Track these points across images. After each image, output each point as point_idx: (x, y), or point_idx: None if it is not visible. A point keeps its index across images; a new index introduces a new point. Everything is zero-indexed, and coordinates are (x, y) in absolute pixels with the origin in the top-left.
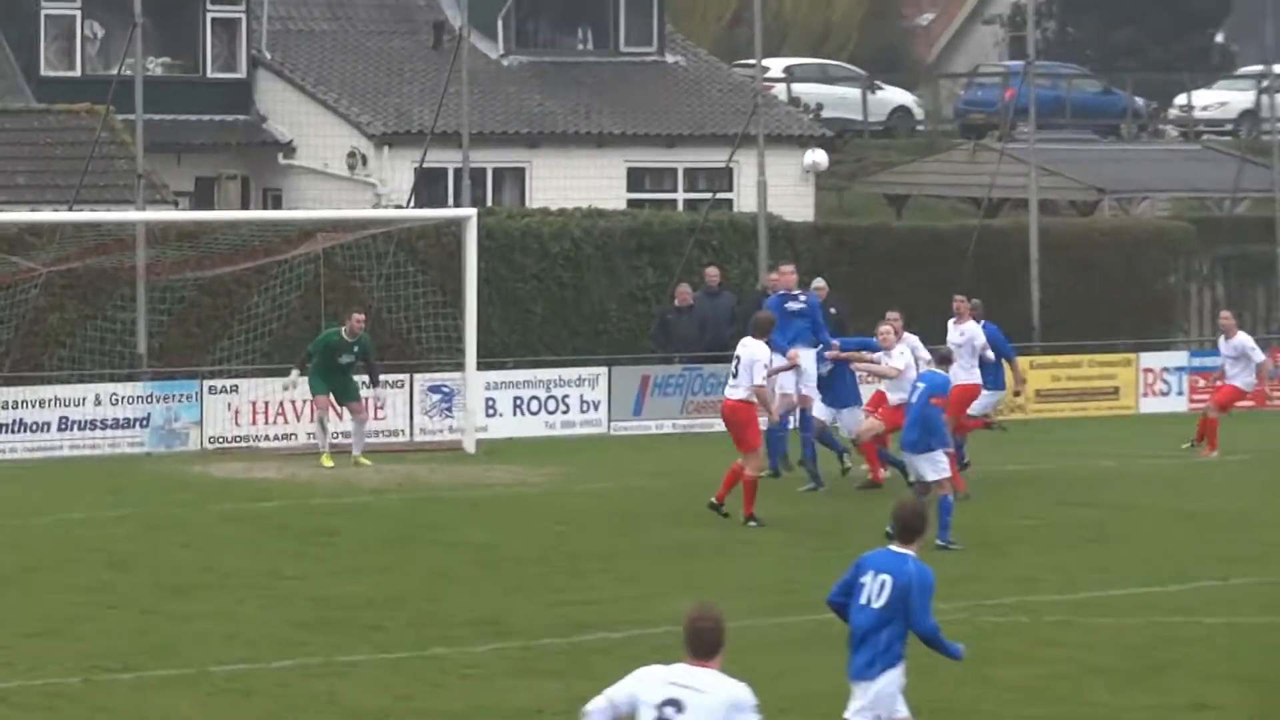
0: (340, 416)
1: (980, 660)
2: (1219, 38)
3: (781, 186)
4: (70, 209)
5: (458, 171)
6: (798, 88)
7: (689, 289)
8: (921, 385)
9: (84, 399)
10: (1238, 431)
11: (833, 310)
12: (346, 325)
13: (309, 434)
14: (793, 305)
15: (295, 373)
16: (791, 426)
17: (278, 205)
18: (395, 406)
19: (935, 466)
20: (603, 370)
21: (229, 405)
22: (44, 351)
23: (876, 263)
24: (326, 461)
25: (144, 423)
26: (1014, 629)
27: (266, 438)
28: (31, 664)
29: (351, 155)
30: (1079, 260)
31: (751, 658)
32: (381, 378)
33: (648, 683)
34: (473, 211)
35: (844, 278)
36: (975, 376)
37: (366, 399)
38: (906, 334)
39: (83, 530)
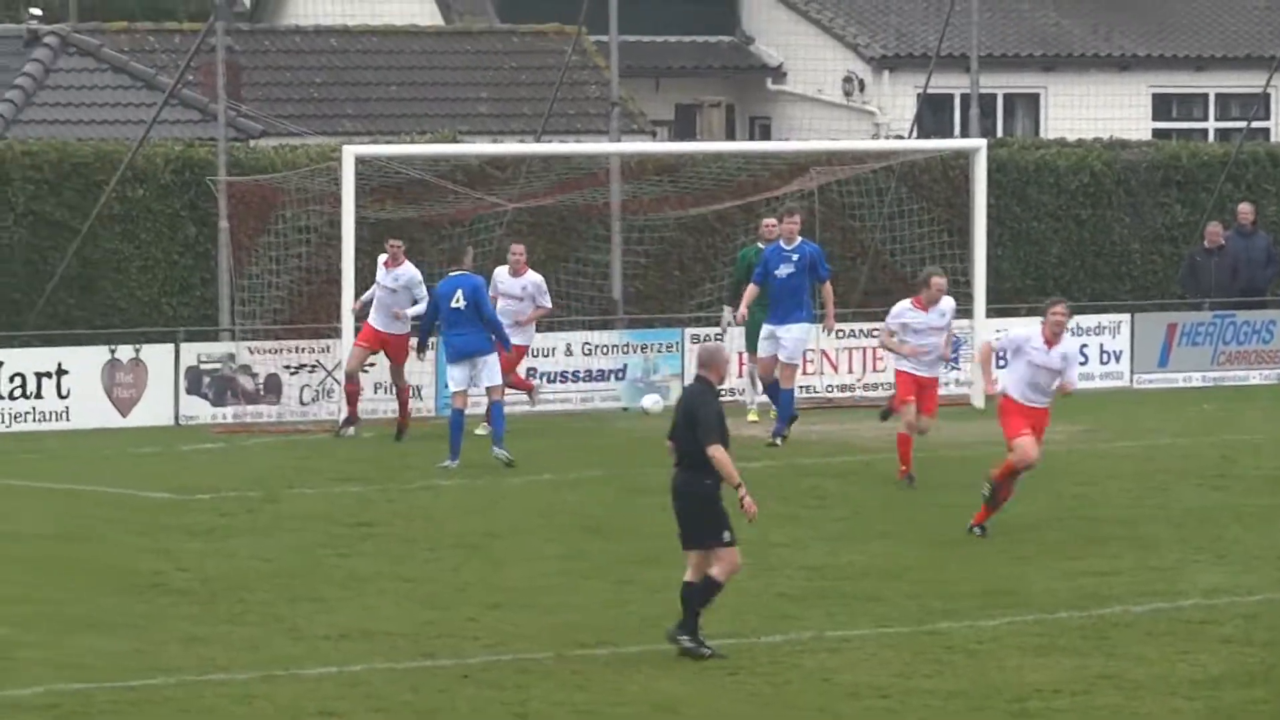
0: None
1: None
2: None
3: None
4: (538, 140)
5: (965, 98)
6: None
7: (1220, 228)
8: None
9: (554, 349)
10: None
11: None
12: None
13: (824, 386)
14: None
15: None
16: None
17: (766, 136)
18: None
19: None
20: (1125, 317)
21: None
22: None
23: None
24: (753, 417)
25: (620, 374)
26: None
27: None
28: (499, 638)
29: (848, 80)
30: None
31: None
32: (883, 325)
33: None
34: (982, 142)
35: None
36: None
37: None
38: None
39: (553, 493)
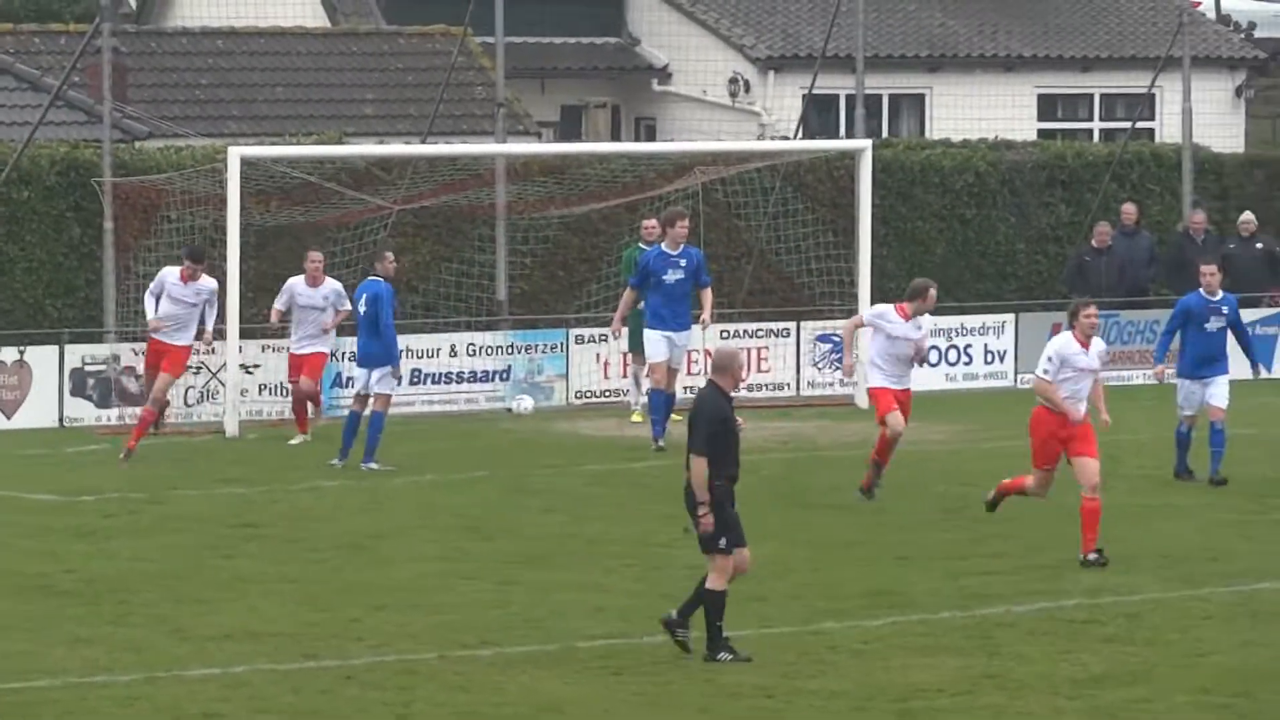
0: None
1: None
2: None
3: (1208, 114)
4: (423, 141)
5: (851, 99)
6: (1228, 4)
7: (1109, 228)
8: None
9: (439, 349)
10: None
11: (1259, 245)
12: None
13: (686, 388)
14: None
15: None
16: None
17: (651, 136)
18: (782, 357)
19: None
20: (1009, 317)
21: (598, 356)
22: (395, 296)
23: None
24: (637, 418)
25: (505, 375)
26: None
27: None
28: (383, 638)
29: (733, 81)
30: None
31: (1168, 634)
32: (769, 325)
33: None
34: (867, 143)
35: (1277, 216)
36: None
37: None
38: None
39: (437, 494)
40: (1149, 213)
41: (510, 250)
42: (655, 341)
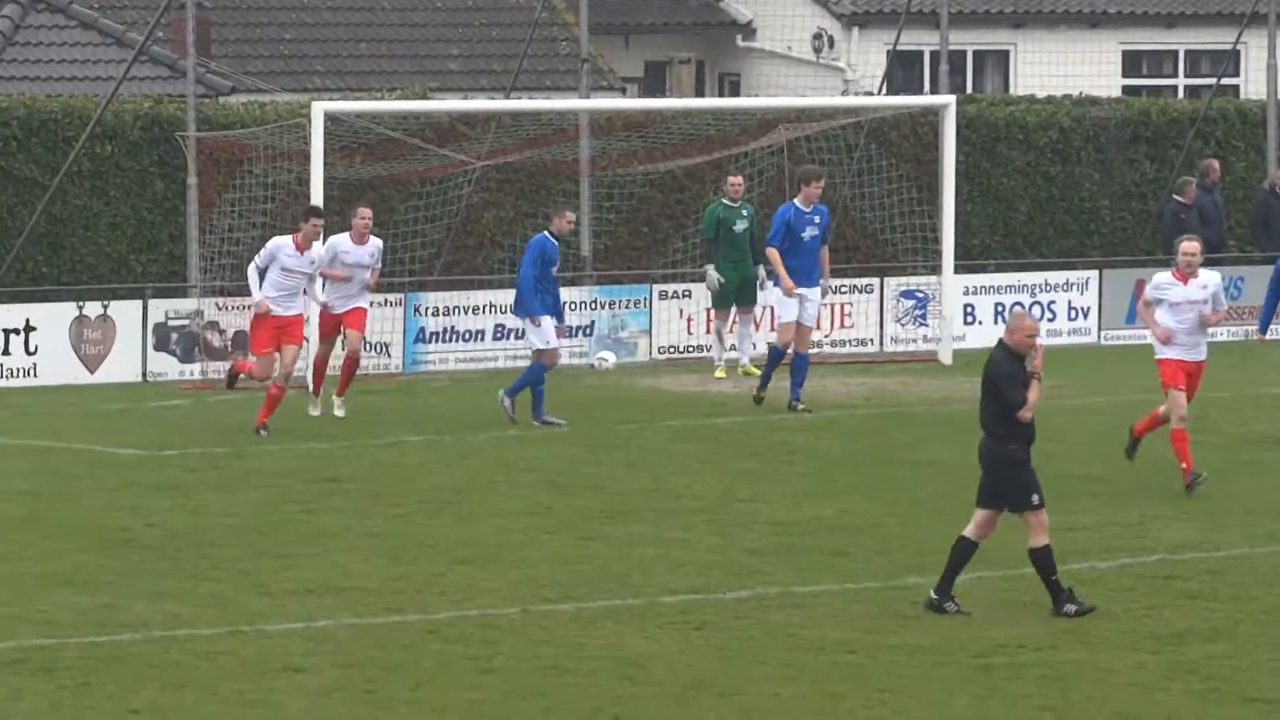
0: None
1: None
2: None
3: None
4: (507, 96)
5: (935, 55)
6: None
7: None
8: None
9: None
10: None
11: None
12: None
13: (769, 343)
14: None
15: (713, 270)
16: None
17: (736, 92)
18: (865, 314)
19: None
20: (1093, 273)
21: (681, 312)
22: (478, 253)
23: None
24: (720, 373)
25: (588, 331)
26: None
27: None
28: (465, 593)
29: (818, 37)
30: None
31: (1255, 589)
32: (852, 281)
33: None
34: (951, 99)
35: None
36: None
37: None
38: None
39: (520, 449)
40: (1233, 170)
41: (594, 206)
42: (787, 302)
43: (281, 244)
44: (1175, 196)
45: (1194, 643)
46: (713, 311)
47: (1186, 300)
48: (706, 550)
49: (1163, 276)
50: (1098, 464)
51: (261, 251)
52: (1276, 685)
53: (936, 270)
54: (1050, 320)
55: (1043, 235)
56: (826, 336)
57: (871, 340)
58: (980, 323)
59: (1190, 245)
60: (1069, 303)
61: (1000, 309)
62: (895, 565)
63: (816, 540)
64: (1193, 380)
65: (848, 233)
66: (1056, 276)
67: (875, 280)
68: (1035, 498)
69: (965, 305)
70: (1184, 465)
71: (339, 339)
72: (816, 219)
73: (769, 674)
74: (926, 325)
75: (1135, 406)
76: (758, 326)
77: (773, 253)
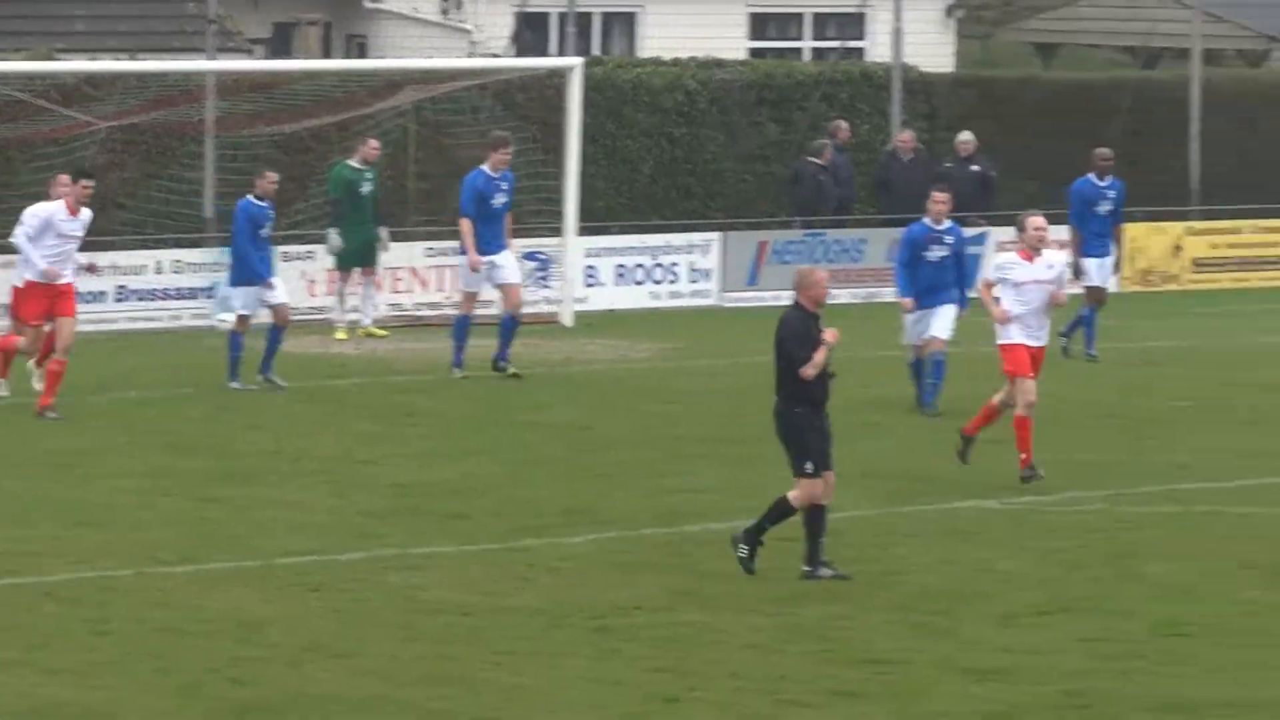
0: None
1: (1124, 554)
2: None
3: (919, 34)
4: (133, 58)
5: (562, 17)
6: None
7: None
8: None
9: (144, 266)
10: None
11: (974, 167)
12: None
13: (414, 304)
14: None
15: (335, 233)
16: None
17: (363, 54)
18: None
19: None
20: (715, 236)
21: (303, 274)
22: (101, 214)
23: (1021, 119)
24: (341, 335)
25: (209, 293)
26: (1160, 520)
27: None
28: (81, 555)
29: None
30: (1245, 117)
31: (871, 550)
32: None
33: None
34: (578, 61)
35: (984, 135)
36: None
37: None
38: None
39: (139, 411)
40: (859, 132)
41: (218, 168)
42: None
43: (53, 209)
44: (810, 159)
45: (810, 604)
46: (335, 273)
47: (1033, 280)
48: (325, 512)
49: (1008, 256)
50: (716, 425)
51: (28, 221)
52: (891, 646)
53: (559, 232)
54: (672, 282)
55: (666, 198)
56: (447, 298)
57: (493, 301)
58: (602, 284)
59: (1038, 220)
60: (691, 265)
61: (622, 270)
62: (514, 527)
63: (436, 502)
64: (1035, 365)
65: None
66: (679, 239)
67: None
68: (809, 465)
69: (587, 267)
70: (1024, 455)
71: None
72: (504, 185)
73: (386, 636)
74: (549, 287)
75: (753, 368)
76: (379, 288)
77: (465, 224)
